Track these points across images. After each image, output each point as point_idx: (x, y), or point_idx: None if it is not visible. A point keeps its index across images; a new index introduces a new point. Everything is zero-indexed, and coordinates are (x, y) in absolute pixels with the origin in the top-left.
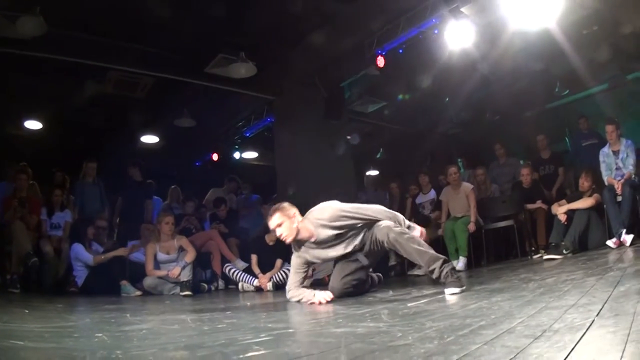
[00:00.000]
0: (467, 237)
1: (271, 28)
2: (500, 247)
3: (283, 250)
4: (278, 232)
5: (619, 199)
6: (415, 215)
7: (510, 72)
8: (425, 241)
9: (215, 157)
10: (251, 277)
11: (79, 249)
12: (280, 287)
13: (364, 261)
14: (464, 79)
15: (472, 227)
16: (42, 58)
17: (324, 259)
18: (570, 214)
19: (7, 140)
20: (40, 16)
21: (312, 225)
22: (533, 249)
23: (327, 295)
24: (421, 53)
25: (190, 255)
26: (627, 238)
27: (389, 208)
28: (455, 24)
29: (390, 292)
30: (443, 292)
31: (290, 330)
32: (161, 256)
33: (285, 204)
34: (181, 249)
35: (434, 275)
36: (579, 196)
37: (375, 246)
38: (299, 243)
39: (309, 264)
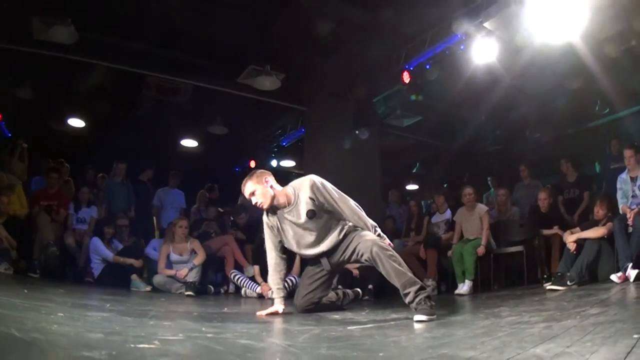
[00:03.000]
0: (474, 261)
1: (301, 40)
2: (513, 273)
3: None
4: (253, 200)
5: (630, 230)
6: (428, 235)
7: (548, 90)
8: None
9: (252, 164)
10: (255, 284)
11: (97, 243)
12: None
13: (326, 266)
14: (498, 96)
15: (481, 250)
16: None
17: (298, 241)
18: (581, 242)
19: (50, 137)
20: (71, 26)
21: (291, 189)
22: (545, 276)
23: (274, 309)
24: (449, 68)
25: (199, 258)
26: (632, 273)
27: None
28: (481, 40)
29: (365, 311)
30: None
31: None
32: (174, 257)
33: (259, 171)
34: (193, 252)
35: (407, 300)
36: (593, 224)
37: (351, 255)
38: (273, 210)
39: (280, 233)
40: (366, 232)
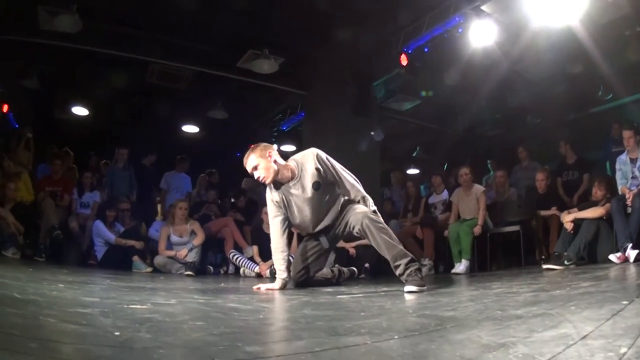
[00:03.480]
0: (471, 240)
1: (300, 24)
2: (511, 253)
3: None
4: (255, 175)
5: (630, 210)
6: (425, 215)
7: (548, 74)
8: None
9: None
10: (253, 264)
11: (100, 226)
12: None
13: (325, 244)
14: (497, 80)
15: (477, 230)
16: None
17: (302, 217)
18: (578, 223)
19: (55, 125)
20: (76, 14)
21: (294, 162)
22: (543, 257)
23: (272, 285)
24: (447, 51)
25: (198, 239)
26: (632, 253)
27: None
28: (478, 23)
29: (358, 286)
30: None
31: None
32: (174, 238)
33: (262, 144)
34: (193, 233)
35: (398, 272)
36: (592, 205)
37: (345, 229)
38: (277, 185)
39: (285, 208)
40: (358, 205)
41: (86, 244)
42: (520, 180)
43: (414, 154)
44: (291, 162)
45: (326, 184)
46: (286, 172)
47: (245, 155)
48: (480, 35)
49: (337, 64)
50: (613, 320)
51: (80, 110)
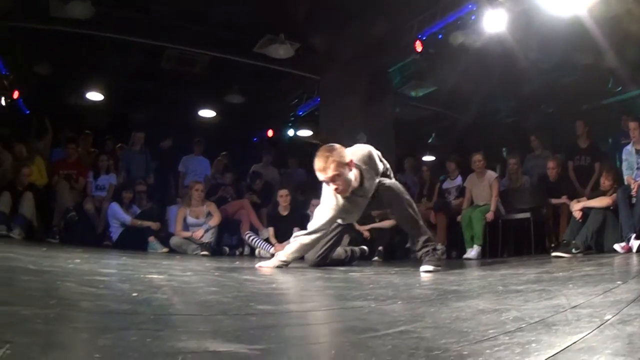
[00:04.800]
0: (483, 226)
1: (317, 9)
2: (521, 240)
3: (297, 219)
4: (332, 185)
5: (635, 200)
6: (439, 200)
7: (558, 64)
8: None
9: (270, 133)
10: (268, 245)
11: (115, 208)
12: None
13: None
14: (510, 68)
15: (490, 216)
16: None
17: (351, 215)
18: (587, 211)
19: (70, 110)
20: (88, 1)
21: (357, 167)
22: (553, 245)
23: (267, 263)
24: (460, 39)
25: (214, 220)
26: (635, 244)
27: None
28: (491, 10)
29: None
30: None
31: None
32: (190, 219)
33: (337, 149)
34: (209, 214)
35: (416, 247)
36: (601, 194)
37: (372, 202)
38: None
39: (345, 212)
40: (385, 179)
41: (101, 226)
42: (533, 168)
43: (430, 140)
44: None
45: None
46: (355, 181)
47: (319, 160)
48: (493, 23)
49: (353, 50)
50: (604, 295)
51: (94, 96)
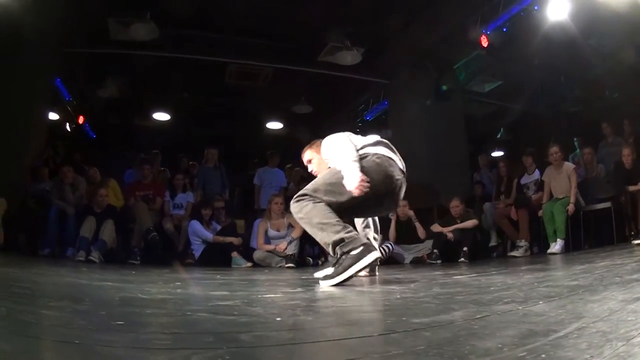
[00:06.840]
0: (565, 219)
1: (378, 13)
2: (603, 231)
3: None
4: (309, 168)
5: None
6: (518, 195)
7: (621, 48)
8: None
9: None
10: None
11: (196, 225)
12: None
13: None
14: (574, 56)
15: (571, 208)
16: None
17: None
18: None
19: (137, 132)
20: (151, 22)
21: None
22: (632, 233)
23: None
24: (525, 30)
25: (296, 232)
26: None
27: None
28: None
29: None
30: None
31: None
32: (272, 232)
33: (318, 141)
34: (290, 226)
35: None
36: None
37: None
38: None
39: None
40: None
41: (182, 244)
42: (607, 156)
43: (499, 135)
44: None
45: None
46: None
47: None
48: (555, 10)
49: (418, 50)
50: None
51: (161, 116)
